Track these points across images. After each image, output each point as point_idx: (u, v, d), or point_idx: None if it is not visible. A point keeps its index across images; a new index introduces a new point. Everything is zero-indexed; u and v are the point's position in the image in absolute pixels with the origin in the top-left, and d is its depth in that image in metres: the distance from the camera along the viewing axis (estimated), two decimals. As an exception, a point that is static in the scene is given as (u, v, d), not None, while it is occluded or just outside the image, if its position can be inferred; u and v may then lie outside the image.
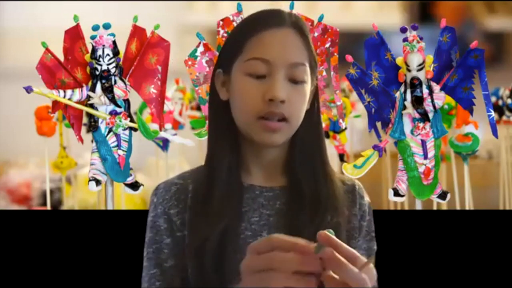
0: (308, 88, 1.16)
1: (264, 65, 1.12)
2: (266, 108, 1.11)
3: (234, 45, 1.17)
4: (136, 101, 1.89)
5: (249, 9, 1.67)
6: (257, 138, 1.13)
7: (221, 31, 1.48)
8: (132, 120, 1.72)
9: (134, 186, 1.73)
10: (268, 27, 1.14)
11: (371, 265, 0.85)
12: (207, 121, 1.30)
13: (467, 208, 1.95)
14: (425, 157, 1.66)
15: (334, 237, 0.83)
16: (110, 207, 1.71)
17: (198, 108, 2.53)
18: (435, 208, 2.07)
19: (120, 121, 1.70)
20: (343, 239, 1.09)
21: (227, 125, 1.17)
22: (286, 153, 1.19)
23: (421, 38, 1.63)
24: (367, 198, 1.25)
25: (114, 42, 1.68)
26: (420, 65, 1.63)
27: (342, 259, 0.81)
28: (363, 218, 1.22)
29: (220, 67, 1.19)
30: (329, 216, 1.13)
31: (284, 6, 1.73)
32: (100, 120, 1.69)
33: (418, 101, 1.63)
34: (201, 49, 1.62)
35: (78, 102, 1.69)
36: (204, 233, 1.11)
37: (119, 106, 1.70)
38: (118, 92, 1.68)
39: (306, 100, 1.16)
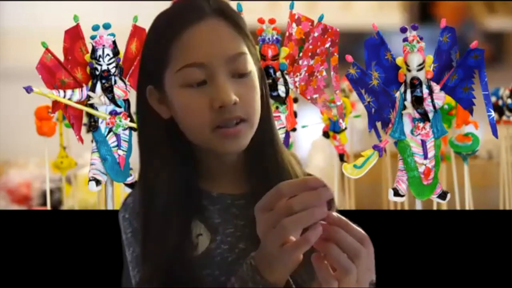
0: (255, 76, 1.03)
1: (200, 70, 0.98)
2: (219, 117, 0.98)
3: (157, 55, 1.01)
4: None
5: (249, 9, 1.67)
6: (220, 149, 1.02)
7: (221, 31, 1.47)
8: (132, 120, 1.72)
9: (134, 186, 1.73)
10: (188, 24, 0.99)
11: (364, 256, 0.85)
12: None
13: (467, 208, 1.95)
14: (425, 157, 1.66)
15: (344, 218, 0.85)
16: (110, 207, 1.71)
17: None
18: (435, 208, 2.06)
19: (120, 121, 1.70)
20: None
21: (170, 142, 1.04)
22: (243, 152, 1.06)
23: (421, 38, 1.63)
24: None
25: (114, 42, 1.68)
26: (420, 65, 1.63)
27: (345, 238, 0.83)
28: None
29: (149, 83, 1.04)
30: None
31: (284, 6, 1.74)
32: (100, 120, 1.69)
33: (418, 101, 1.63)
34: (201, 49, 1.62)
35: (78, 102, 1.69)
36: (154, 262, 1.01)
37: (119, 106, 1.70)
38: (118, 92, 1.68)
39: (258, 90, 1.03)
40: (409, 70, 1.63)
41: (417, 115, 1.65)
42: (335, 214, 0.85)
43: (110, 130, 1.69)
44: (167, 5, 1.08)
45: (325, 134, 2.13)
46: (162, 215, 1.02)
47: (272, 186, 0.87)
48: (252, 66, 1.02)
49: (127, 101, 1.71)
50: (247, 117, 1.01)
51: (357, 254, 0.84)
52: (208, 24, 1.00)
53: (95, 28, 1.66)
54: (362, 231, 0.86)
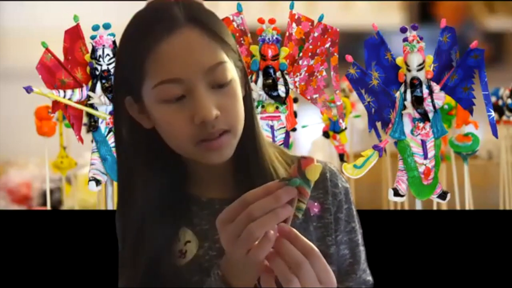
0: (236, 83, 0.98)
1: (178, 85, 0.94)
2: (201, 131, 0.95)
3: (132, 67, 0.96)
4: (136, 101, 1.89)
5: (249, 9, 1.67)
6: (204, 161, 0.99)
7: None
8: (132, 120, 1.72)
9: (134, 186, 1.73)
10: (162, 35, 0.94)
11: (320, 261, 0.87)
12: None
13: (467, 208, 1.95)
14: (425, 157, 1.66)
15: (294, 230, 0.87)
16: (110, 207, 1.71)
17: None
18: (435, 208, 2.06)
19: (120, 121, 1.70)
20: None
21: (155, 150, 1.02)
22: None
23: (421, 38, 1.63)
24: (342, 184, 1.09)
25: (114, 42, 1.68)
26: (420, 65, 1.63)
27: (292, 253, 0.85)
28: (339, 209, 1.08)
29: (128, 94, 0.99)
30: None
31: (284, 6, 1.74)
32: (100, 120, 1.69)
33: (418, 101, 1.63)
34: (201, 49, 1.62)
35: (78, 102, 1.69)
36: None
37: (119, 106, 1.70)
38: (118, 92, 1.68)
39: (239, 96, 0.99)
40: (409, 70, 1.63)
41: (417, 115, 1.65)
42: (286, 226, 0.86)
43: (110, 130, 1.70)
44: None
45: (325, 134, 2.13)
46: (143, 222, 1.02)
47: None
48: (232, 74, 0.97)
49: (127, 101, 1.71)
50: (230, 128, 0.97)
51: (299, 266, 0.85)
52: (182, 35, 0.94)
53: (95, 28, 1.66)
54: (311, 245, 0.87)
